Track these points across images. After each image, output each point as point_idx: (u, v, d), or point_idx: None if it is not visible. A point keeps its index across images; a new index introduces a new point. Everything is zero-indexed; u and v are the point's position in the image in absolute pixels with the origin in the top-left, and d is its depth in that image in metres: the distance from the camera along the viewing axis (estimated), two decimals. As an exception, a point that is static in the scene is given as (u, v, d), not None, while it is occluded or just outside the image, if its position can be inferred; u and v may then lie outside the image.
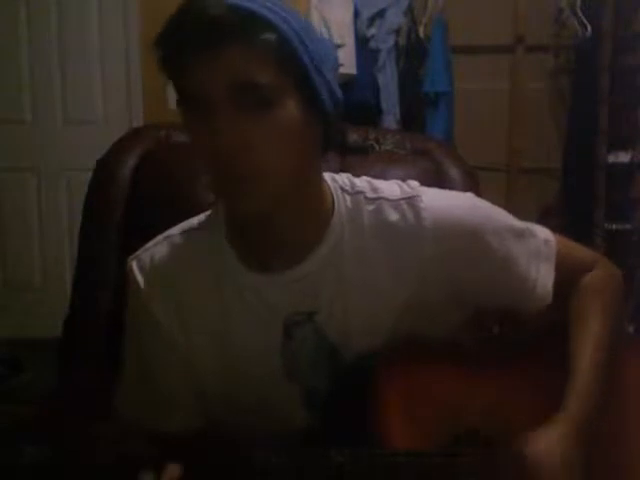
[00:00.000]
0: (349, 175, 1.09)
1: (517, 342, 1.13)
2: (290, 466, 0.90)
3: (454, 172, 1.50)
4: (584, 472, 0.97)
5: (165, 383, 1.07)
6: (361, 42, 3.22)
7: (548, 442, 0.96)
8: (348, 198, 1.05)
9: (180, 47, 0.91)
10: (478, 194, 1.15)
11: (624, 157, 3.26)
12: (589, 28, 3.19)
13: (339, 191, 1.05)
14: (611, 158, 3.26)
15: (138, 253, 1.08)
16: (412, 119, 3.32)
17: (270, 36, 0.90)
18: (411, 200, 1.04)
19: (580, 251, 1.16)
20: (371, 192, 1.06)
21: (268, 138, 0.92)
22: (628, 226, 3.29)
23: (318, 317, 1.03)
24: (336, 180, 1.06)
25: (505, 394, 1.04)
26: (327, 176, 1.05)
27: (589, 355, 1.04)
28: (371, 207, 1.05)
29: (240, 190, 0.93)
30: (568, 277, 1.11)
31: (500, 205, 1.12)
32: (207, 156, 0.93)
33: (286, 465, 0.90)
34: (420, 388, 1.00)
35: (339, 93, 0.99)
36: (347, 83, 3.06)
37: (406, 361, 1.01)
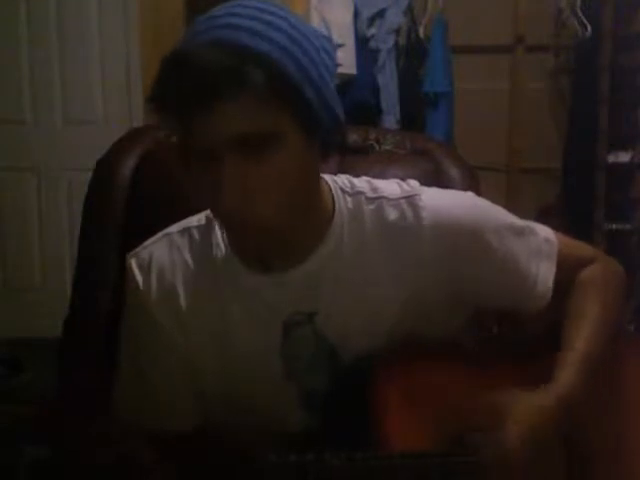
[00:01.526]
0: (349, 176, 1.09)
1: (517, 342, 1.13)
2: (285, 467, 0.90)
3: (454, 172, 1.49)
4: (559, 452, 0.99)
5: (163, 382, 1.07)
6: (361, 42, 3.22)
7: (525, 403, 0.98)
8: (349, 199, 1.05)
9: (175, 104, 0.90)
10: (478, 194, 1.15)
11: (624, 157, 3.26)
12: (589, 28, 3.19)
13: (339, 192, 1.05)
14: (611, 158, 3.25)
15: (137, 250, 1.08)
16: (412, 119, 3.32)
17: (270, 82, 0.87)
18: (411, 199, 1.04)
19: (580, 249, 1.16)
20: (371, 192, 1.06)
21: (272, 181, 0.92)
22: (628, 226, 3.29)
23: (318, 318, 1.03)
24: (336, 181, 1.06)
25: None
26: (327, 177, 1.05)
27: (580, 340, 1.05)
28: (371, 207, 1.05)
29: (245, 230, 0.95)
30: (568, 275, 1.11)
31: (500, 205, 1.12)
32: (212, 203, 0.94)
33: (282, 466, 0.90)
34: (419, 388, 1.00)
35: (339, 111, 0.97)
36: (347, 83, 3.06)
37: (405, 361, 1.01)
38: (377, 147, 1.55)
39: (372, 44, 3.26)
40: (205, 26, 0.91)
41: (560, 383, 1.01)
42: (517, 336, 1.15)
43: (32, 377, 3.16)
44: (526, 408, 0.98)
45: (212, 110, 0.88)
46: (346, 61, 3.11)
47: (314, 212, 1.02)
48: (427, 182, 1.10)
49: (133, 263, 1.07)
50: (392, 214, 1.04)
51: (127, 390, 1.09)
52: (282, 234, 0.97)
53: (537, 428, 0.97)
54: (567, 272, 1.11)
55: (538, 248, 1.10)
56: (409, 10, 3.33)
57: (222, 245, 1.04)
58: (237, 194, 0.90)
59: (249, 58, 0.87)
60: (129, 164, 1.51)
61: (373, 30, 3.27)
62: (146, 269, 1.06)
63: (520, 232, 1.10)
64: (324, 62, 0.95)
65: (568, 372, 1.02)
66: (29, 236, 3.78)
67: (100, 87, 3.67)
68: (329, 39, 0.98)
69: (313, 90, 0.92)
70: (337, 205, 1.04)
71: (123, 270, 1.10)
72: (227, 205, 0.91)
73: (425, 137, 2.44)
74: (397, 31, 3.31)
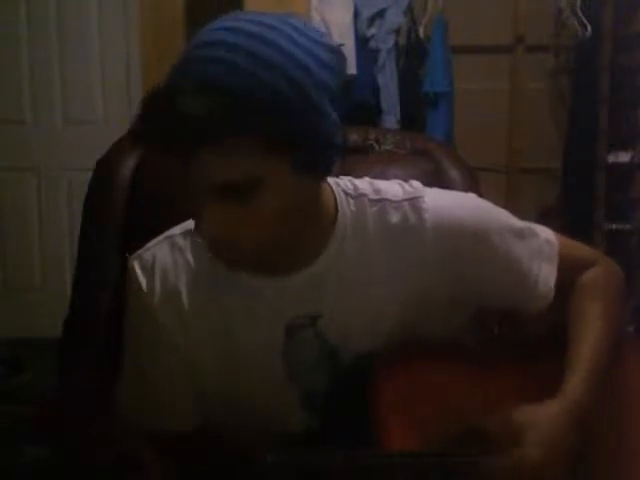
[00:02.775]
0: (351, 178, 1.08)
1: (518, 342, 1.13)
2: (285, 467, 0.90)
3: (454, 172, 1.49)
4: (575, 459, 0.97)
5: (164, 382, 1.07)
6: (361, 42, 3.22)
7: (535, 417, 0.97)
8: (352, 201, 1.05)
9: (157, 146, 0.89)
10: (479, 194, 1.15)
11: (624, 157, 3.26)
12: (589, 28, 3.19)
13: (342, 195, 1.05)
14: (611, 158, 3.26)
15: (140, 252, 1.08)
16: (412, 119, 3.32)
17: (252, 126, 0.83)
18: (413, 201, 1.04)
19: (581, 250, 1.17)
20: (374, 194, 1.05)
21: (257, 222, 0.91)
22: (628, 226, 3.29)
23: (321, 320, 1.02)
24: (339, 184, 1.06)
25: (505, 394, 1.04)
26: (330, 180, 1.05)
27: (588, 347, 1.04)
28: (374, 209, 1.04)
29: (233, 262, 0.95)
30: (569, 276, 1.12)
31: (500, 205, 1.12)
32: (197, 231, 0.94)
33: (281, 466, 0.90)
34: (420, 389, 1.00)
35: (338, 134, 0.91)
36: (347, 83, 3.06)
37: (406, 361, 1.01)
38: (377, 147, 1.54)
39: (372, 44, 3.26)
40: (194, 55, 0.87)
41: (569, 393, 1.00)
42: (518, 336, 1.15)
43: (32, 377, 3.16)
44: (541, 424, 0.96)
45: (193, 157, 0.86)
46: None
47: (316, 219, 1.01)
48: (427, 182, 1.10)
49: (136, 265, 1.07)
50: (395, 216, 1.04)
51: (128, 390, 1.09)
52: (271, 254, 0.96)
53: (553, 441, 0.96)
54: (568, 273, 1.11)
55: (539, 249, 1.10)
56: (409, 10, 3.33)
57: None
58: (220, 231, 0.90)
59: (235, 104, 0.83)
60: (129, 164, 1.51)
61: (373, 30, 3.27)
62: (149, 271, 1.06)
63: (521, 233, 1.10)
64: (319, 82, 0.88)
65: (576, 381, 1.01)
66: (29, 236, 3.78)
67: (100, 87, 3.68)
68: (334, 49, 0.92)
69: (300, 124, 0.87)
70: (340, 208, 1.03)
71: (123, 270, 1.10)
72: (209, 239, 0.91)
73: (425, 137, 2.44)
74: (397, 31, 3.31)
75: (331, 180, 1.05)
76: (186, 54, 0.89)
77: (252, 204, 0.89)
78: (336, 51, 0.93)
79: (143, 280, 1.05)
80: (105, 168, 1.52)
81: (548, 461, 0.95)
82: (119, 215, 1.48)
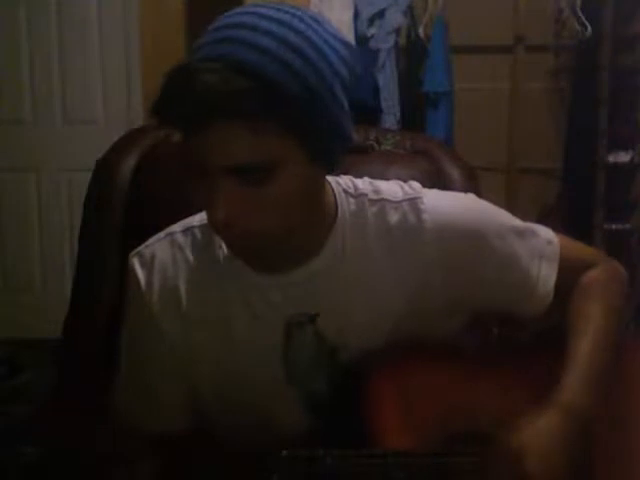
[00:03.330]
0: (351, 177, 1.08)
1: (518, 343, 1.13)
2: (280, 466, 0.90)
3: (454, 172, 1.49)
4: (580, 463, 0.96)
5: (161, 382, 1.07)
6: (361, 42, 3.22)
7: (534, 431, 0.95)
8: (352, 201, 1.05)
9: (175, 123, 0.89)
10: (478, 194, 1.15)
11: (624, 157, 3.26)
12: (589, 28, 3.19)
13: (342, 194, 1.05)
14: (611, 158, 3.26)
15: (140, 249, 1.08)
16: (412, 119, 3.32)
17: (269, 106, 0.84)
18: (412, 201, 1.04)
19: (583, 250, 1.16)
20: (373, 194, 1.06)
21: (269, 205, 0.90)
22: (628, 226, 3.29)
23: (320, 319, 1.02)
24: (339, 183, 1.06)
25: (505, 395, 1.04)
26: (330, 179, 1.05)
27: (587, 345, 1.03)
28: (374, 209, 1.04)
29: (240, 243, 0.94)
30: (571, 277, 1.11)
31: (500, 205, 1.12)
32: (208, 218, 0.93)
33: (276, 465, 0.90)
34: (420, 389, 1.00)
35: (349, 125, 0.94)
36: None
37: (405, 362, 1.01)
38: (377, 147, 1.55)
39: (372, 44, 3.26)
40: (212, 38, 0.88)
41: (569, 394, 0.99)
42: (518, 336, 1.15)
43: (32, 377, 3.16)
44: (540, 440, 0.94)
45: (208, 136, 0.86)
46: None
47: (317, 216, 1.01)
48: (427, 182, 1.10)
49: (136, 262, 1.06)
50: (394, 216, 1.04)
51: (127, 388, 1.09)
52: (281, 243, 0.96)
53: (554, 457, 0.95)
54: (569, 274, 1.11)
55: (539, 250, 1.10)
56: (409, 10, 3.33)
57: (225, 245, 1.04)
58: (231, 215, 0.89)
59: (263, 87, 0.83)
60: (129, 164, 1.51)
61: (373, 30, 3.27)
62: (149, 268, 1.06)
63: (521, 234, 1.09)
64: (339, 74, 0.91)
65: (576, 382, 1.00)
66: (29, 236, 3.78)
67: (100, 87, 3.68)
68: (348, 44, 0.94)
69: (321, 113, 0.89)
70: (340, 207, 1.03)
71: (123, 270, 1.09)
72: (220, 225, 0.90)
73: (425, 137, 2.43)
74: (397, 31, 3.31)
75: (331, 179, 1.05)
76: (214, 33, 0.88)
77: (266, 188, 0.89)
78: (350, 46, 0.95)
79: (142, 277, 1.05)
80: (105, 168, 1.53)
81: (550, 472, 0.94)
82: (119, 215, 1.48)
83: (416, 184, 1.08)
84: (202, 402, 1.08)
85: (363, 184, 1.07)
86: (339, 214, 1.03)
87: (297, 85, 0.86)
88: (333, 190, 1.04)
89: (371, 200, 1.05)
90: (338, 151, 0.95)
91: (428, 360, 1.03)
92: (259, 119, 0.85)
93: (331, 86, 0.89)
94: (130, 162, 1.51)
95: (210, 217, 0.92)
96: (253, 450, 1.04)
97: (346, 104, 0.94)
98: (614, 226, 3.27)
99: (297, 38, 0.87)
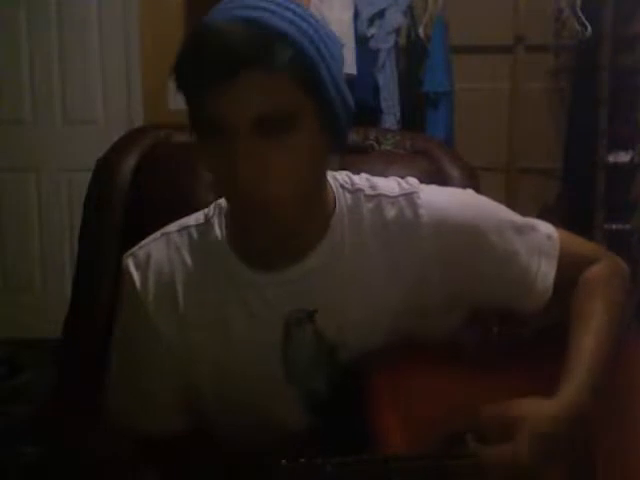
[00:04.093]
0: (348, 173, 1.09)
1: (517, 341, 1.13)
2: (278, 472, 0.90)
3: (454, 172, 1.49)
4: (575, 458, 0.96)
5: (158, 382, 1.06)
6: (361, 42, 3.22)
7: (536, 407, 0.96)
8: (349, 196, 1.05)
9: (196, 80, 0.90)
10: (478, 194, 1.14)
11: (624, 157, 3.26)
12: (589, 28, 3.19)
13: (340, 189, 1.05)
14: (611, 158, 3.26)
15: (134, 250, 1.07)
16: (412, 119, 3.32)
17: (290, 60, 0.89)
18: (409, 197, 1.05)
19: (585, 246, 1.16)
20: (370, 189, 1.06)
21: (287, 164, 0.92)
22: (628, 226, 3.29)
23: (318, 316, 1.02)
24: (337, 178, 1.06)
25: (505, 394, 1.03)
26: (328, 174, 1.05)
27: (590, 342, 1.03)
28: (370, 204, 1.05)
29: (258, 216, 0.94)
30: (572, 273, 1.11)
31: (500, 205, 1.12)
32: (225, 183, 0.94)
33: (274, 471, 0.90)
34: (419, 388, 1.00)
35: (350, 100, 0.99)
36: (347, 83, 3.06)
37: (404, 361, 1.01)
38: (377, 147, 1.55)
39: (372, 44, 3.26)
40: (230, 4, 0.92)
41: (570, 390, 0.99)
42: (517, 335, 1.15)
43: (32, 377, 3.16)
44: (538, 419, 0.95)
45: (231, 87, 0.88)
46: (346, 61, 3.11)
47: (318, 205, 1.02)
48: (427, 182, 1.10)
49: (130, 263, 1.06)
50: (391, 212, 1.04)
51: (120, 390, 1.08)
52: (291, 220, 0.96)
53: (549, 439, 0.95)
54: (570, 270, 1.10)
55: (539, 245, 1.10)
56: (409, 10, 3.33)
57: (222, 244, 1.04)
58: (252, 173, 0.90)
59: (270, 37, 0.88)
60: (129, 164, 1.51)
61: (373, 30, 3.27)
62: (144, 268, 1.05)
63: (521, 229, 1.09)
64: (338, 52, 0.97)
65: (577, 378, 1.00)
66: (29, 236, 3.78)
67: (100, 87, 3.68)
68: (339, 42, 0.99)
69: (330, 75, 0.93)
70: (337, 202, 1.04)
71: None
72: (242, 184, 0.90)
73: (425, 137, 2.43)
74: (397, 31, 3.31)
75: (329, 175, 1.05)
76: (230, 3, 0.92)
77: (283, 142, 0.91)
78: (340, 45, 1.00)
79: (137, 278, 1.05)
80: (105, 168, 1.53)
81: (541, 457, 0.94)
82: (119, 215, 1.48)
83: (413, 180, 1.08)
84: (201, 402, 1.07)
85: (360, 180, 1.07)
86: (336, 209, 1.03)
87: (314, 50, 0.92)
88: (331, 185, 1.05)
89: (367, 195, 1.05)
90: (343, 122, 0.97)
91: (428, 359, 1.03)
92: (281, 72, 0.89)
93: (337, 59, 0.96)
94: (130, 162, 1.51)
95: (229, 181, 0.92)
96: (253, 450, 1.04)
97: (345, 83, 0.98)
98: (614, 226, 3.27)
99: (313, 20, 0.95)
